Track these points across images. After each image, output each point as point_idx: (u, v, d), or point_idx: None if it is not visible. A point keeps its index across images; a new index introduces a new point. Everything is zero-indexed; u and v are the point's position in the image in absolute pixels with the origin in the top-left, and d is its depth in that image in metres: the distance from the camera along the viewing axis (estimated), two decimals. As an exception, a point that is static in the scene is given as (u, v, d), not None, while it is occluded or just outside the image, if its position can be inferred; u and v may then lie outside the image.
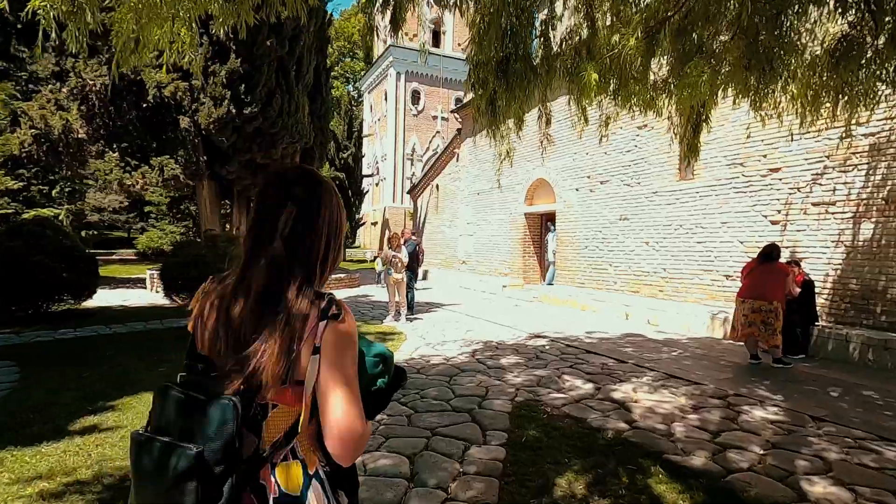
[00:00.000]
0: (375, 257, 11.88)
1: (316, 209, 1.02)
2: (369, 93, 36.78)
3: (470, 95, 5.26)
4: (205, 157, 14.14)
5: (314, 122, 17.21)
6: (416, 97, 32.56)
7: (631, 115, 4.95)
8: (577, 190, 11.41)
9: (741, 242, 7.81)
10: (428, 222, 19.72)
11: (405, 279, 8.82)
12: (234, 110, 12.86)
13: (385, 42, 33.10)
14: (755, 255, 7.39)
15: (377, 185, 34.59)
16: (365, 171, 33.98)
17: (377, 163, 34.59)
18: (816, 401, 4.61)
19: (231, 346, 0.95)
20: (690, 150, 5.39)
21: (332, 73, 48.77)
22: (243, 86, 12.84)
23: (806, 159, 6.97)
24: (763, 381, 5.23)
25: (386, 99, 32.80)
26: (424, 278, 18.43)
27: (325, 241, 1.03)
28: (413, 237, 9.53)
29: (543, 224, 13.72)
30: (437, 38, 33.00)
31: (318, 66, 17.12)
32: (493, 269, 14.83)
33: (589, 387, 4.96)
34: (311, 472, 0.98)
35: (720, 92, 5.05)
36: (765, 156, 7.51)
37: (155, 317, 8.47)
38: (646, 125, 9.59)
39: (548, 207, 12.52)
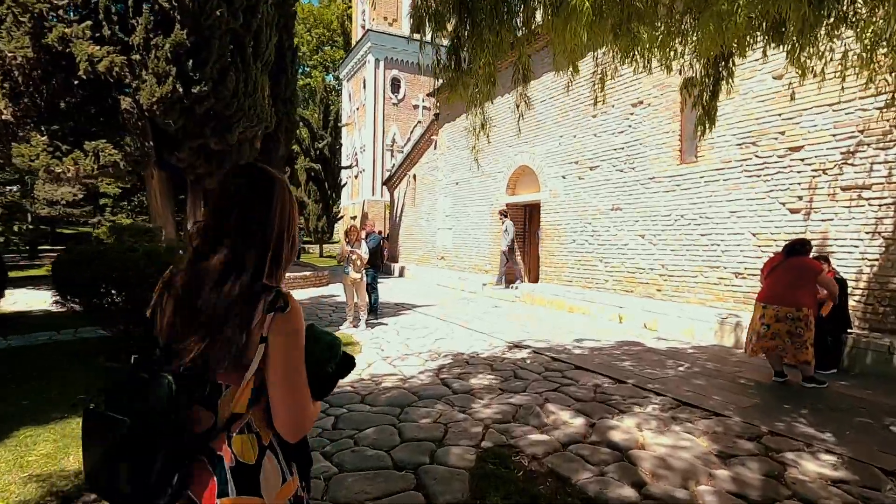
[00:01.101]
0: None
1: (267, 205, 1.09)
2: (348, 81, 35.28)
3: (416, 36, 4.01)
4: (151, 143, 12.71)
5: (279, 107, 15.81)
6: (395, 85, 31.18)
7: (633, 68, 3.76)
8: (563, 177, 10.25)
9: (753, 235, 6.71)
10: (405, 215, 18.46)
11: (366, 278, 7.58)
12: (180, 89, 11.44)
13: (363, 27, 31.64)
14: (776, 250, 6.31)
15: (356, 177, 33.18)
16: (344, 163, 32.54)
17: (356, 154, 33.16)
18: (879, 441, 3.50)
19: (185, 332, 1.02)
20: (707, 117, 4.23)
21: (311, 63, 47.20)
22: (191, 61, 11.42)
23: (834, 135, 5.87)
24: (799, 410, 4.11)
25: (364, 87, 31.36)
26: (401, 275, 17.18)
27: (276, 237, 1.10)
28: (375, 230, 8.28)
29: (527, 216, 12.56)
30: (418, 23, 31.53)
31: (281, 45, 15.71)
32: (474, 265, 13.64)
33: (579, 422, 3.79)
34: (265, 444, 1.07)
35: (748, 36, 3.91)
36: (782, 132, 6.40)
37: (49, 327, 7.13)
38: (641, 102, 8.45)
39: (531, 197, 11.35)
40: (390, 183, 19.89)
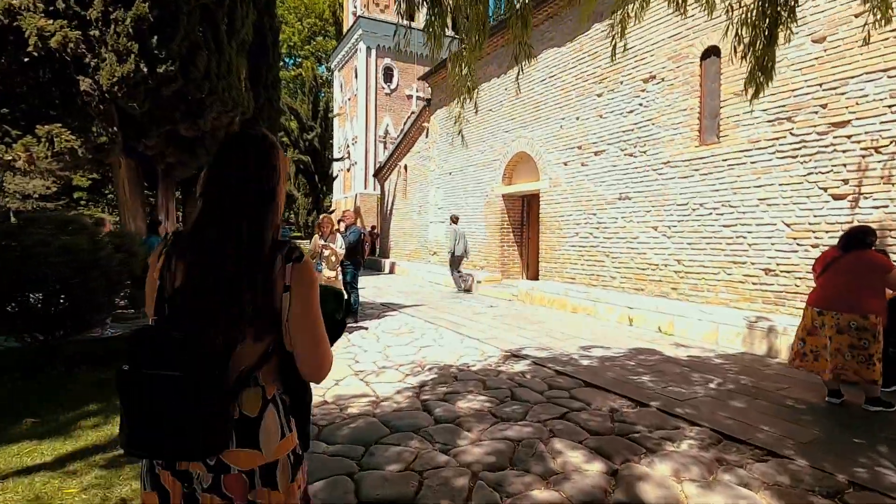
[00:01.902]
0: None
1: (273, 165, 1.15)
2: (339, 70, 34.15)
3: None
4: (116, 129, 11.70)
5: (259, 92, 14.79)
6: (388, 74, 30.10)
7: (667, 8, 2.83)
8: (565, 164, 9.31)
9: (787, 225, 5.81)
10: (396, 208, 17.50)
11: (342, 277, 6.65)
12: (144, 69, 10.45)
13: (354, 13, 30.50)
14: (814, 243, 5.42)
15: (348, 170, 32.15)
16: (335, 156, 31.52)
17: (348, 146, 32.11)
18: None
19: (205, 292, 1.06)
20: (761, 72, 3.29)
21: (302, 53, 46.00)
22: (155, 38, 10.43)
23: (890, 106, 4.95)
24: (875, 446, 3.21)
25: (356, 76, 30.26)
26: (391, 271, 16.24)
27: (280, 193, 1.17)
28: (357, 223, 7.33)
29: (525, 207, 11.62)
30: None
31: (262, 25, 14.67)
32: (468, 260, 12.70)
33: (597, 469, 2.88)
34: (268, 397, 1.10)
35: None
36: (824, 105, 5.48)
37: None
38: (653, 76, 7.51)
39: (530, 187, 10.42)
40: (381, 175, 18.93)
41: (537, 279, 10.59)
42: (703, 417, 3.64)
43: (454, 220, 11.72)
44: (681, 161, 7.10)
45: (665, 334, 6.64)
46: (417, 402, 4.04)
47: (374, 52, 29.50)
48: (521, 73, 3.52)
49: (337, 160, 30.26)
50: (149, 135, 11.68)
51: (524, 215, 11.61)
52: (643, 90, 7.69)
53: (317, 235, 6.58)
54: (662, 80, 7.37)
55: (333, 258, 6.44)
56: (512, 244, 11.56)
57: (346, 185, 33.27)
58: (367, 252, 8.20)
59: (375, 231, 20.94)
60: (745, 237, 6.28)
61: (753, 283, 6.18)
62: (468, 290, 11.21)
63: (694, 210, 6.92)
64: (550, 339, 6.38)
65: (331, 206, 31.14)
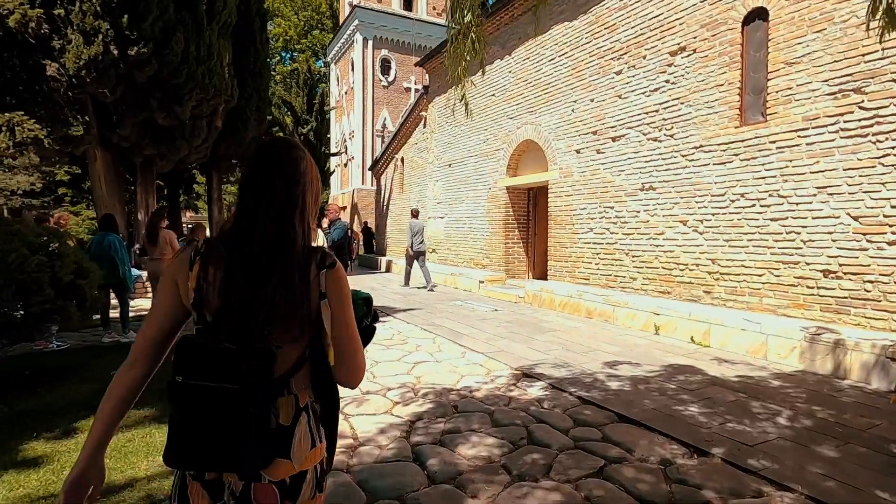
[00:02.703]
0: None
1: (304, 172, 1.14)
2: (335, 63, 33.18)
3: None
4: (87, 118, 10.77)
5: (246, 80, 13.83)
6: (386, 66, 29.10)
7: None
8: (577, 152, 8.35)
9: (854, 219, 4.85)
10: (392, 203, 16.56)
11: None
12: (115, 51, 9.52)
13: (351, 3, 29.51)
14: (891, 239, 4.46)
15: (345, 165, 31.20)
16: (333, 150, 30.57)
17: (345, 141, 31.16)
18: None
19: (242, 300, 1.03)
20: None
21: (299, 47, 45.01)
22: (126, 17, 9.50)
23: None
24: None
25: (353, 69, 29.28)
26: (388, 270, 15.31)
27: (313, 200, 1.16)
28: (341, 218, 6.40)
29: (531, 201, 10.67)
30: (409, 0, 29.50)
31: (248, 8, 13.68)
32: (469, 258, 11.77)
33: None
34: (301, 406, 1.08)
35: None
36: (902, 72, 4.52)
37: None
38: (682, 48, 6.54)
39: (537, 178, 9.46)
40: (376, 169, 17.98)
41: (545, 279, 9.65)
42: (790, 475, 2.70)
43: (414, 214, 11.24)
44: (716, 145, 6.14)
45: (700, 346, 5.69)
46: (407, 447, 3.11)
47: (370, 43, 28.50)
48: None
49: (333, 155, 29.28)
50: (123, 124, 10.75)
51: (530, 209, 10.66)
52: (670, 64, 6.72)
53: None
54: (694, 51, 6.40)
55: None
56: (517, 241, 10.62)
57: (343, 181, 32.31)
58: (355, 250, 7.24)
59: (370, 227, 19.99)
60: (797, 233, 5.33)
61: (809, 288, 5.22)
62: (432, 290, 10.39)
63: (733, 201, 5.97)
64: (567, 352, 5.44)
65: (327, 202, 30.20)
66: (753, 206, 5.74)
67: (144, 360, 1.11)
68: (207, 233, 9.64)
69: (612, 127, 7.66)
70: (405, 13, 28.96)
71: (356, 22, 28.20)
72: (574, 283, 8.41)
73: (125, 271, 5.52)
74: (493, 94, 10.61)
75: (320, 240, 5.61)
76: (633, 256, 7.32)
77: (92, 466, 1.04)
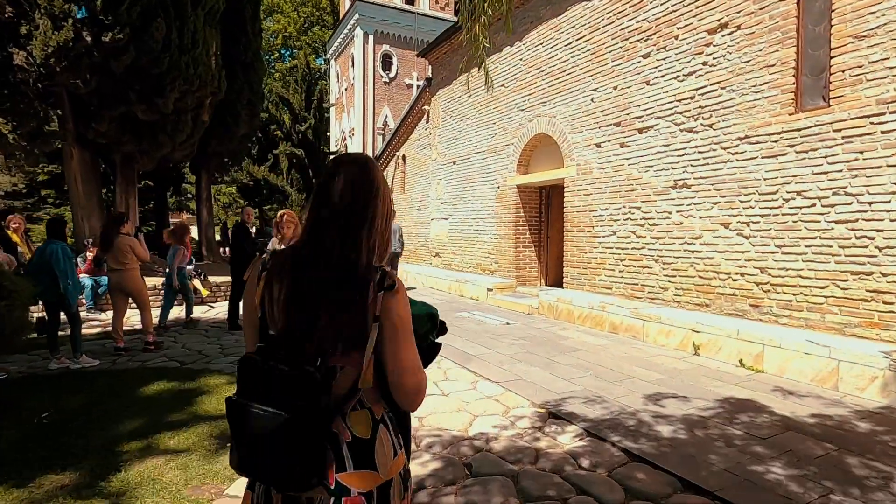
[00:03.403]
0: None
1: (376, 192, 1.11)
2: (335, 59, 32.38)
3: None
4: (60, 112, 9.97)
5: (237, 73, 13.01)
6: (387, 62, 28.27)
7: None
8: (598, 146, 7.50)
9: (949, 220, 4.00)
10: (394, 204, 15.71)
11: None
12: (87, 37, 8.73)
13: (350, -3, 28.66)
14: None
15: (345, 164, 30.38)
16: (332, 149, 29.74)
17: (345, 139, 30.34)
18: None
19: (303, 318, 1.04)
20: None
21: (298, 44, 44.18)
22: (99, 0, 8.69)
23: None
24: None
25: (353, 64, 28.46)
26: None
27: (384, 221, 1.13)
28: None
29: (544, 201, 9.82)
30: (411, -7, 28.65)
31: (238, -5, 12.90)
32: (476, 264, 10.93)
33: None
34: (377, 418, 1.10)
35: None
36: None
37: None
38: (723, 24, 5.69)
39: (551, 176, 8.61)
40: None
41: (559, 287, 8.82)
42: None
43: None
44: (766, 135, 5.28)
45: (752, 371, 4.84)
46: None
47: (371, 38, 27.67)
48: None
49: (333, 153, 28.46)
50: (99, 118, 9.92)
51: (543, 210, 9.81)
52: (708, 44, 5.86)
53: (275, 238, 4.81)
54: (738, 27, 5.54)
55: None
56: (528, 244, 9.77)
57: (343, 181, 31.54)
58: None
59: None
60: (871, 238, 4.47)
61: (886, 304, 4.37)
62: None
63: (786, 201, 5.11)
64: (598, 380, 4.59)
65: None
66: (813, 206, 4.89)
67: None
68: (195, 233, 8.80)
69: (638, 117, 6.80)
70: (407, 7, 28.13)
71: (356, 16, 27.38)
72: (594, 293, 7.56)
73: (66, 286, 4.69)
74: (503, 85, 9.76)
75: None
76: (664, 263, 6.47)
77: None
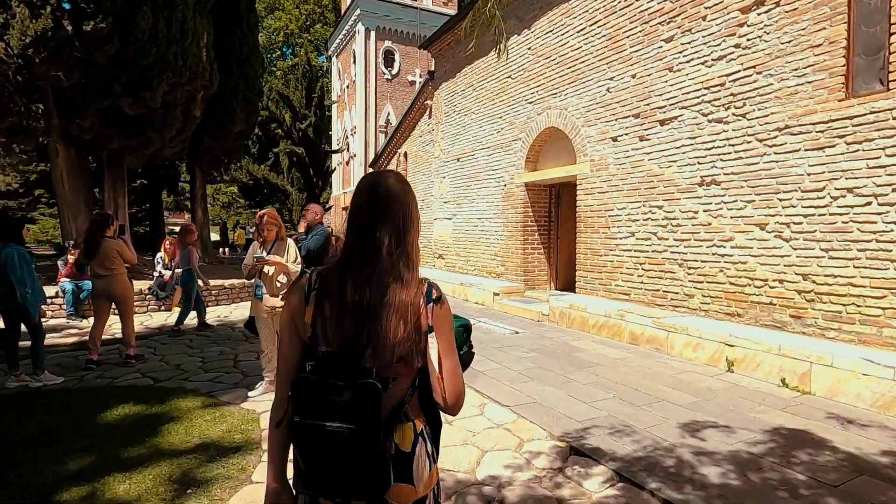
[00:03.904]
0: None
1: (411, 207, 1.16)
2: (337, 56, 31.85)
3: None
4: (39, 107, 9.48)
5: (231, 67, 12.48)
6: (389, 59, 27.71)
7: None
8: (614, 140, 6.92)
9: None
10: (395, 203, 15.15)
11: (295, 306, 4.31)
12: (68, 26, 8.22)
13: (352, -8, 28.10)
14: None
15: (347, 163, 29.85)
16: (334, 147, 29.23)
17: (346, 137, 29.82)
18: None
19: (357, 333, 1.05)
20: None
21: (299, 41, 43.71)
22: (81, -14, 8.17)
23: None
24: None
25: (354, 61, 27.90)
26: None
27: (418, 234, 1.17)
28: (322, 223, 5.00)
29: (554, 199, 9.24)
30: (414, -12, 28.06)
31: (232, -15, 12.38)
32: (482, 266, 10.37)
33: None
34: (418, 431, 1.12)
35: None
36: None
37: None
38: (760, 1, 5.09)
39: (562, 173, 8.04)
40: (377, 165, 16.59)
41: (570, 291, 8.25)
42: None
43: None
44: (810, 125, 4.69)
45: (797, 391, 4.26)
46: None
47: (373, 34, 27.10)
48: None
49: (334, 152, 27.95)
50: (83, 113, 9.41)
51: (553, 209, 9.23)
52: (742, 24, 5.27)
53: (256, 242, 4.26)
54: (776, 4, 4.95)
55: (283, 278, 4.11)
56: (537, 246, 9.19)
57: (345, 180, 30.99)
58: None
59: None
60: (940, 241, 3.88)
61: (960, 317, 3.78)
62: None
63: (835, 199, 4.52)
64: (623, 403, 4.02)
65: (328, 202, 28.92)
66: (868, 204, 4.30)
67: (285, 387, 1.10)
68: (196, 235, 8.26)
69: (659, 108, 6.22)
70: (409, 2, 27.54)
71: (358, 11, 26.82)
72: (609, 300, 6.98)
73: (25, 294, 4.16)
74: (509, 77, 9.18)
75: (292, 254, 4.23)
76: (690, 268, 5.88)
77: (282, 491, 1.15)
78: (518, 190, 9.11)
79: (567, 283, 8.96)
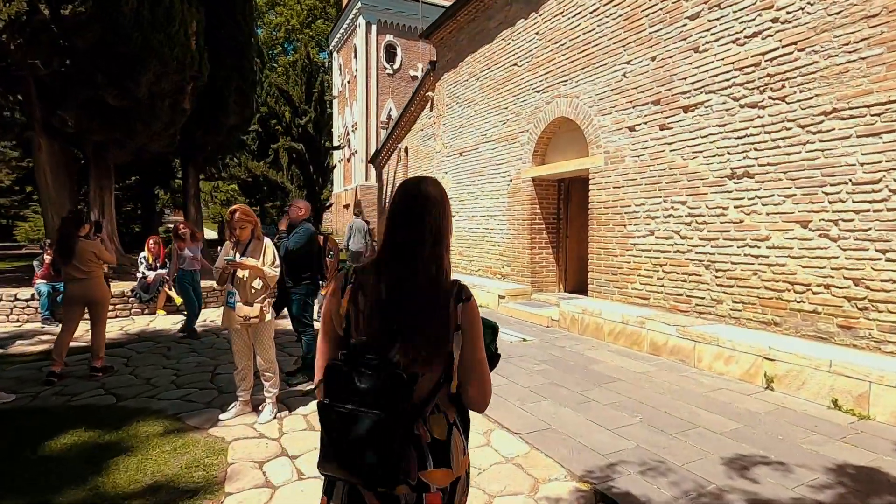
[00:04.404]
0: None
1: (447, 213, 1.25)
2: (338, 51, 31.30)
3: None
4: (18, 97, 8.97)
5: (223, 57, 11.95)
6: (391, 53, 27.15)
7: None
8: (631, 130, 6.34)
9: None
10: (396, 200, 14.60)
11: (272, 315, 3.77)
12: (45, 10, 7.69)
13: (353, -15, 27.50)
14: None
15: (348, 160, 29.32)
16: (335, 144, 28.68)
17: (347, 134, 29.28)
18: None
19: (388, 327, 1.14)
20: None
21: (301, 37, 43.18)
22: (57, -33, 7.64)
23: None
24: None
25: (355, 56, 27.34)
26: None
27: (450, 239, 1.27)
28: (309, 221, 4.43)
29: (563, 195, 8.66)
30: (415, -20, 27.44)
31: (225, -30, 11.82)
32: (486, 266, 9.80)
33: None
34: (450, 421, 1.20)
35: None
36: None
37: None
38: (804, -31, 4.49)
39: (573, 166, 7.45)
40: (378, 160, 16.04)
41: (581, 294, 7.69)
42: None
43: (357, 212, 9.65)
44: (863, 107, 4.10)
45: (853, 415, 3.68)
46: None
47: (374, 27, 26.53)
48: None
49: (335, 148, 27.41)
50: (65, 105, 8.90)
51: (562, 206, 8.65)
52: (781, -4, 4.68)
53: (228, 242, 3.70)
54: (824, -30, 4.36)
55: (258, 283, 3.56)
56: (545, 245, 8.62)
57: (346, 178, 30.47)
58: (332, 265, 5.13)
59: (372, 229, 18.03)
60: None
61: None
62: None
63: (894, 192, 3.93)
64: (652, 429, 3.45)
65: (329, 199, 28.37)
66: (936, 198, 3.70)
67: (321, 374, 1.18)
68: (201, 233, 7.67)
69: (683, 93, 5.63)
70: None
71: (359, 4, 26.27)
72: (624, 304, 6.41)
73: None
74: (515, 64, 8.60)
75: (268, 252, 3.68)
76: (718, 270, 5.30)
77: None
78: (525, 185, 8.53)
79: (577, 285, 8.39)
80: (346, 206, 28.71)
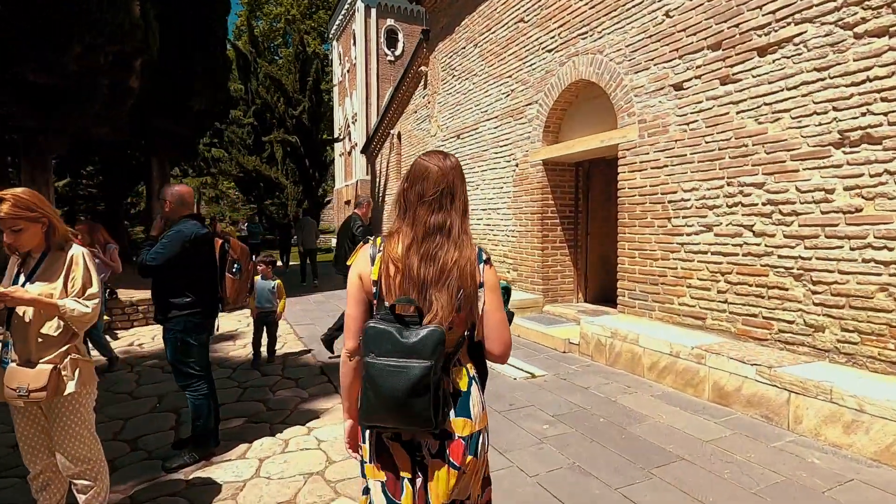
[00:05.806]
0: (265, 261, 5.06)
1: (463, 179, 1.36)
2: (337, 39, 29.78)
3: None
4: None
5: (186, 32, 10.45)
6: (392, 38, 25.54)
7: None
8: (677, 88, 4.66)
9: None
10: (389, 193, 13.04)
11: (75, 384, 2.18)
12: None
13: (350, -33, 25.89)
14: None
15: (349, 153, 27.80)
16: (334, 137, 27.18)
17: (348, 126, 27.77)
18: None
19: (420, 288, 1.25)
20: None
21: (303, 28, 41.71)
22: None
23: None
24: None
25: (354, 43, 25.76)
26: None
27: (466, 203, 1.36)
28: (188, 218, 2.84)
29: (581, 181, 6.99)
30: (417, -39, 25.75)
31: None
32: (487, 270, 8.15)
33: None
34: (471, 374, 1.33)
35: None
36: None
37: None
38: None
39: (597, 143, 5.77)
40: (370, 150, 14.47)
41: (606, 305, 6.06)
42: None
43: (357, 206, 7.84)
44: None
45: None
46: None
47: (374, 11, 24.87)
48: None
49: (333, 141, 25.90)
50: (-21, 83, 7.47)
51: (581, 195, 6.99)
52: None
53: (13, 259, 2.13)
54: None
55: (50, 328, 2.00)
56: (560, 245, 6.97)
57: (346, 173, 28.95)
58: (236, 287, 3.61)
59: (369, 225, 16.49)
60: None
61: None
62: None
63: None
64: None
65: (327, 195, 26.90)
66: None
67: (354, 338, 1.31)
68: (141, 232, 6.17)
69: (759, 27, 3.94)
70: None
71: (357, -13, 24.64)
72: (669, 325, 4.75)
73: None
74: (521, 20, 6.94)
75: (78, 275, 2.13)
76: (817, 283, 3.62)
77: (357, 424, 1.37)
78: (534, 170, 6.88)
79: (600, 293, 6.74)
80: (348, 203, 27.21)
